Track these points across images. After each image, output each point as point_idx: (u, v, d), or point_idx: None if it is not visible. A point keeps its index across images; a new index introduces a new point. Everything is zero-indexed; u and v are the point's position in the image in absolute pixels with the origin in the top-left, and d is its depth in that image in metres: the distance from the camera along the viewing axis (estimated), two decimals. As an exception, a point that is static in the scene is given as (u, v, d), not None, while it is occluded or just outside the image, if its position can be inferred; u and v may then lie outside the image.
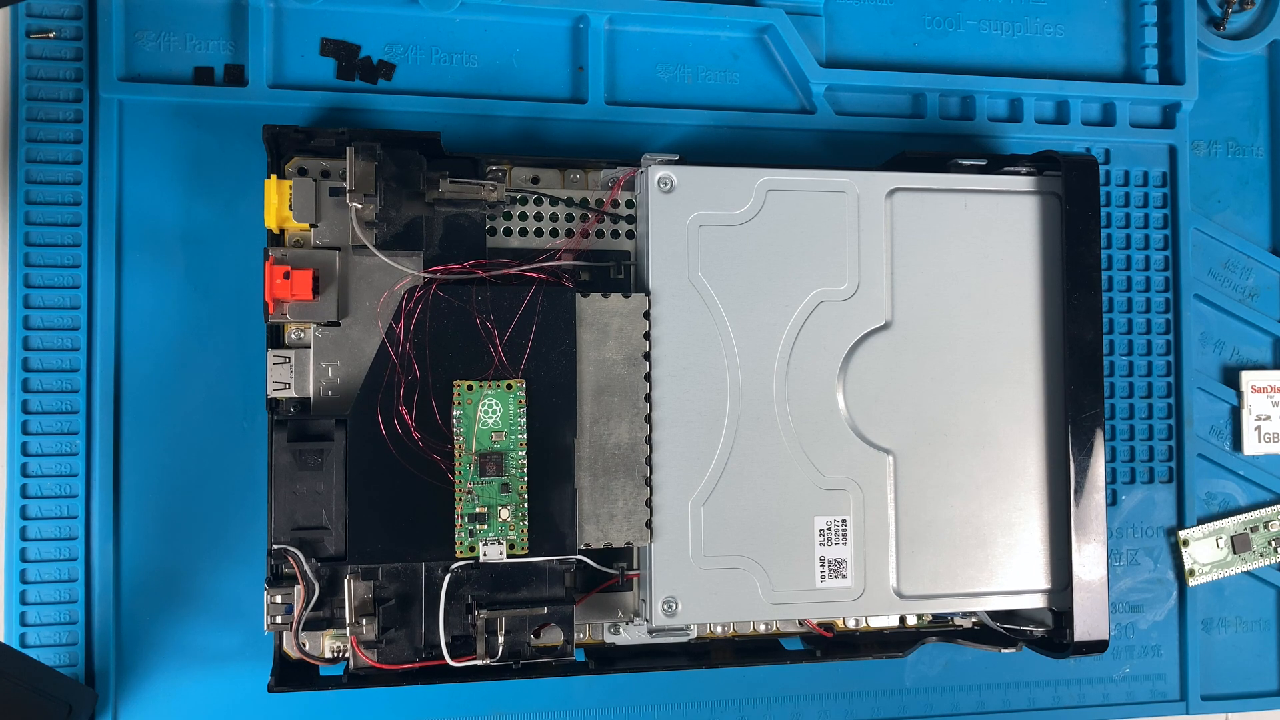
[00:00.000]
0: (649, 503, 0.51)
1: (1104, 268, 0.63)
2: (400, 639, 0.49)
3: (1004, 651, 0.57)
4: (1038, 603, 0.55)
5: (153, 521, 0.54)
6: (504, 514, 0.49)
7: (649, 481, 0.51)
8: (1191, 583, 0.65)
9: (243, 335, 0.55)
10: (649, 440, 0.52)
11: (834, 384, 0.54)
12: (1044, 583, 0.55)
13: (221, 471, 0.55)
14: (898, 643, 0.57)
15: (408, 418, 0.49)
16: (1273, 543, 0.66)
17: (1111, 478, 0.64)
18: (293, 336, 0.50)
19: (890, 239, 0.54)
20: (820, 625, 0.56)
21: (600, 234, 0.54)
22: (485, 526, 0.49)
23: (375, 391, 0.49)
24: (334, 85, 0.57)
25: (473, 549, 0.49)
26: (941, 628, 0.58)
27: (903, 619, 0.57)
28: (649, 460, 0.51)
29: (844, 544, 0.53)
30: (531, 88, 0.59)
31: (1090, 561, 0.54)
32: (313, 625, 0.48)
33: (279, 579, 0.49)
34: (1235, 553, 0.65)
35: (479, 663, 0.49)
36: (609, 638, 0.54)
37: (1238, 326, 0.67)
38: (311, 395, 0.50)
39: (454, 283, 0.50)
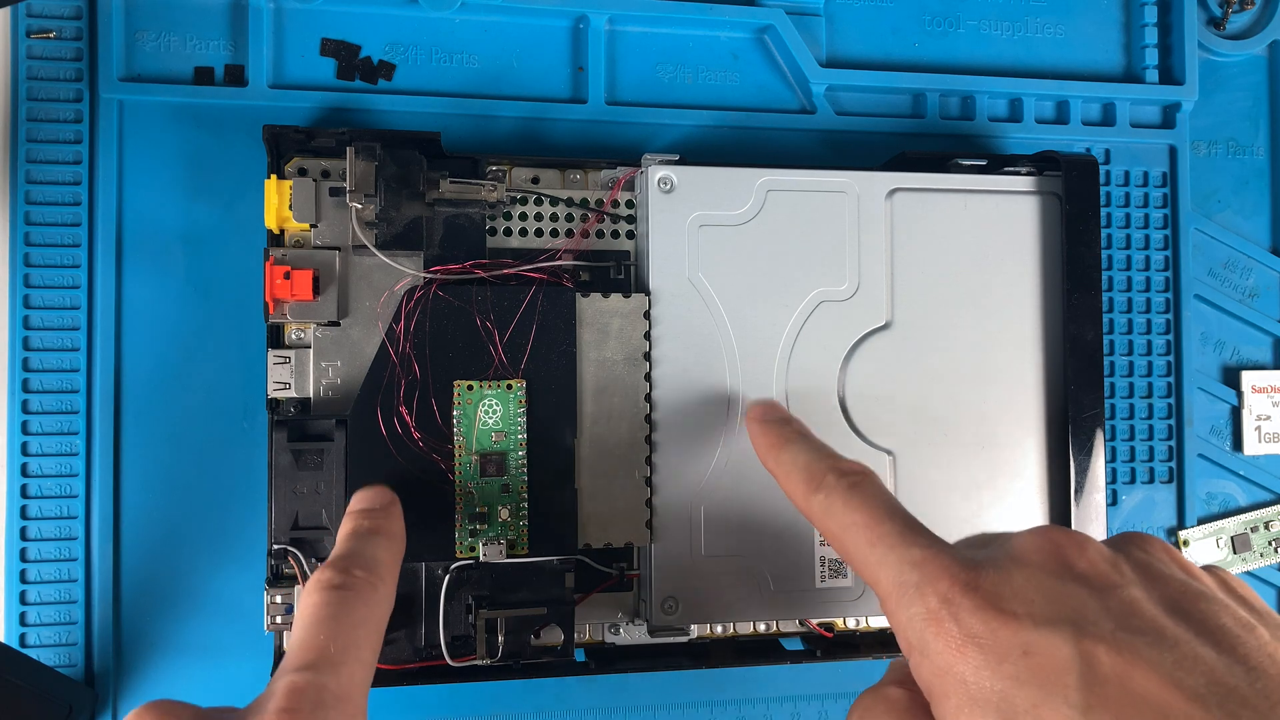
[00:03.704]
0: (649, 503, 0.51)
1: (1104, 268, 0.63)
2: (400, 639, 0.49)
3: (1004, 651, 0.57)
4: (1038, 603, 0.55)
5: (153, 521, 0.54)
6: (504, 514, 0.49)
7: (649, 481, 0.51)
8: (1191, 583, 0.65)
9: (243, 335, 0.55)
10: (649, 440, 0.52)
11: (834, 384, 0.54)
12: (1044, 583, 0.55)
13: (221, 471, 0.55)
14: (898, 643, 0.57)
15: (408, 418, 0.49)
16: (1273, 543, 0.66)
17: (1111, 478, 0.64)
18: (293, 336, 0.50)
19: (890, 239, 0.54)
20: (820, 625, 0.56)
21: (600, 234, 0.54)
22: (485, 526, 0.49)
23: (375, 391, 0.49)
24: (334, 85, 0.57)
25: (473, 549, 0.49)
26: (941, 628, 0.58)
27: (903, 619, 0.57)
28: (649, 460, 0.51)
29: (844, 544, 0.53)
30: (531, 88, 0.59)
31: (1090, 561, 0.54)
32: (313, 625, 0.48)
33: (279, 579, 0.49)
34: (1235, 553, 0.65)
35: (479, 663, 0.49)
36: (609, 638, 0.54)
37: (1238, 326, 0.67)
38: (311, 395, 0.50)
39: (454, 283, 0.50)
